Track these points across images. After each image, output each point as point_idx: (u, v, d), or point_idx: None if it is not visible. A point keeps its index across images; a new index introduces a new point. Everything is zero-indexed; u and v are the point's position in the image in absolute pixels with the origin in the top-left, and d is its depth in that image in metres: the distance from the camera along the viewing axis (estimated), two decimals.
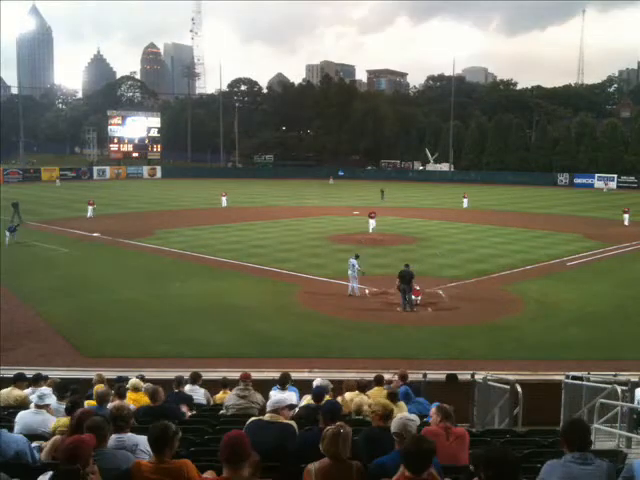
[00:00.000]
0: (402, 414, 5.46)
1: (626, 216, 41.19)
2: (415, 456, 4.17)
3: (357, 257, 22.25)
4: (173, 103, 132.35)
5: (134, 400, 8.76)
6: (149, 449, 5.08)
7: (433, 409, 6.14)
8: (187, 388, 9.90)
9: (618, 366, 13.63)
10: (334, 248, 31.35)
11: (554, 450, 6.55)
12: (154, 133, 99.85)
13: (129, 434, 5.40)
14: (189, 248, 31.00)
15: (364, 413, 8.03)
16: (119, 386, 8.77)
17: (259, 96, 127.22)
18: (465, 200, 52.50)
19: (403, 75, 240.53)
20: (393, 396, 8.49)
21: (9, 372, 10.46)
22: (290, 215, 44.99)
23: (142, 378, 10.58)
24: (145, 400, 8.70)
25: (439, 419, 5.84)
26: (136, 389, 9.23)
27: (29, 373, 10.64)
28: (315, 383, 8.59)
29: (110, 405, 7.49)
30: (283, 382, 9.02)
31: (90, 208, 42.96)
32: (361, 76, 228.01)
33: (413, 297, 20.30)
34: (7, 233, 31.69)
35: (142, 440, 5.22)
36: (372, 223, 36.52)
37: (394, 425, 5.14)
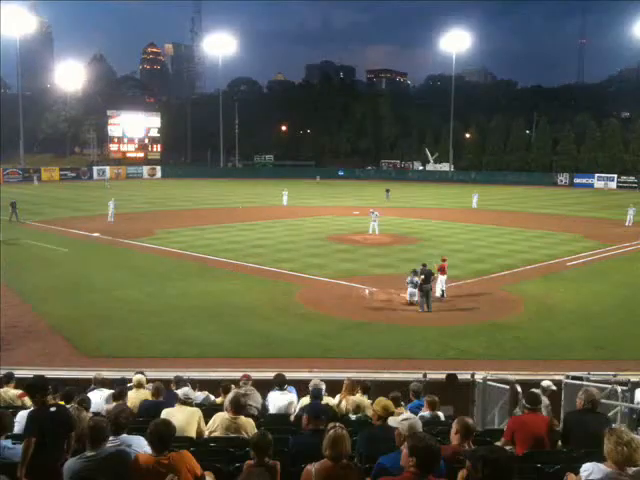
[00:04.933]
0: (406, 415, 5.44)
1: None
2: (425, 454, 4.15)
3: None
4: (173, 103, 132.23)
5: (135, 398, 8.77)
6: (144, 449, 5.13)
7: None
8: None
9: (618, 366, 13.64)
10: (334, 248, 31.39)
11: (553, 451, 6.55)
12: (154, 133, 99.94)
13: (123, 436, 5.45)
14: (189, 248, 31.00)
15: (362, 411, 8.07)
16: (120, 388, 8.77)
17: (259, 96, 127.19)
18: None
19: (403, 75, 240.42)
20: (396, 400, 8.53)
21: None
22: (290, 215, 45.01)
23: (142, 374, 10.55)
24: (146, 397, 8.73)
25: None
26: (139, 386, 9.21)
27: (29, 373, 10.65)
28: (311, 385, 8.61)
29: (110, 407, 7.53)
30: (281, 383, 9.03)
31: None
32: (361, 76, 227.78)
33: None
34: None
35: (136, 441, 5.24)
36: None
37: (402, 427, 5.09)
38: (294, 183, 76.48)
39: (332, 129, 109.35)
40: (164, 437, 4.81)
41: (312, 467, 4.68)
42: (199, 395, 9.80)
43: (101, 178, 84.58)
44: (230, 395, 7.57)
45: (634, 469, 4.41)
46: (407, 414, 5.74)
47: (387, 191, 58.88)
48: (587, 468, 4.62)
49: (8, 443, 5.67)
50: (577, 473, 4.73)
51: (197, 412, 7.14)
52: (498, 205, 55.48)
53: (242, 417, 6.84)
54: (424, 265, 20.54)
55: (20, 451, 5.67)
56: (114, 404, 7.76)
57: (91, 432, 4.93)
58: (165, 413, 6.76)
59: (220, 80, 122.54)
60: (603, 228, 39.50)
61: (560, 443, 6.66)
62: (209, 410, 7.88)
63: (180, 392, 7.45)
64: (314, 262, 27.48)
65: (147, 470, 4.64)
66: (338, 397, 9.13)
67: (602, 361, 15.02)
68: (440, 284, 21.07)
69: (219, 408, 8.45)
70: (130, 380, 9.80)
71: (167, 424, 4.95)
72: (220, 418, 6.86)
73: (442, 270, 21.10)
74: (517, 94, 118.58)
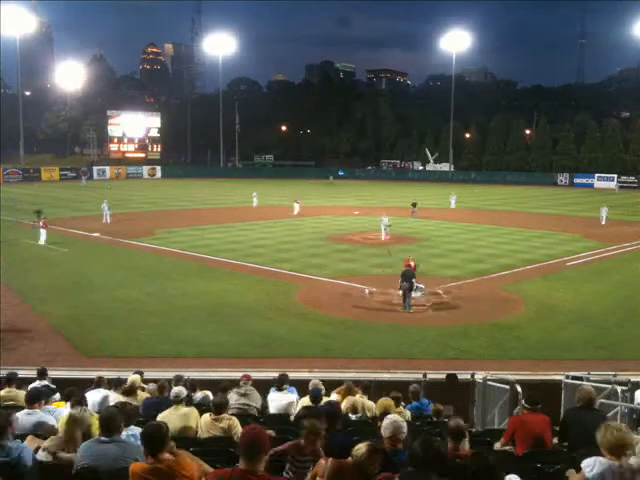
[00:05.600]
0: (392, 416, 5.40)
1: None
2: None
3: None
4: (173, 103, 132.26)
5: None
6: None
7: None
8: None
9: (618, 366, 13.64)
10: (334, 248, 31.39)
11: (553, 450, 6.55)
12: (154, 133, 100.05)
13: (132, 427, 5.57)
14: (189, 248, 31.00)
15: (358, 411, 8.10)
16: (119, 386, 8.80)
17: (259, 96, 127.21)
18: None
19: (403, 75, 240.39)
20: (397, 400, 8.55)
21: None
22: (290, 215, 45.00)
23: (141, 374, 10.54)
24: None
25: None
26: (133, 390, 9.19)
27: (29, 373, 10.63)
28: (311, 385, 8.62)
29: (115, 401, 7.58)
30: (281, 382, 9.04)
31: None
32: (361, 76, 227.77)
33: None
34: None
35: None
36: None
37: (386, 428, 5.05)
38: (294, 183, 76.57)
39: (332, 129, 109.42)
40: (155, 439, 4.64)
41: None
42: (198, 395, 9.80)
43: (101, 178, 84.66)
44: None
45: (635, 460, 4.41)
46: (394, 416, 5.66)
47: (414, 205, 44.53)
48: (589, 464, 4.60)
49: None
50: (578, 470, 4.73)
51: (193, 412, 7.11)
52: (498, 205, 55.51)
53: (225, 416, 6.80)
54: (408, 266, 20.70)
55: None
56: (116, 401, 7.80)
57: (105, 421, 5.04)
58: (160, 418, 6.74)
59: (220, 80, 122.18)
60: (603, 228, 39.53)
61: (557, 440, 6.67)
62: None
63: (172, 392, 7.44)
64: (314, 262, 27.48)
65: (143, 479, 4.56)
66: (334, 396, 9.13)
67: (602, 361, 15.02)
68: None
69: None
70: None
71: (159, 426, 4.79)
72: (204, 420, 6.86)
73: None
74: (517, 94, 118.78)
